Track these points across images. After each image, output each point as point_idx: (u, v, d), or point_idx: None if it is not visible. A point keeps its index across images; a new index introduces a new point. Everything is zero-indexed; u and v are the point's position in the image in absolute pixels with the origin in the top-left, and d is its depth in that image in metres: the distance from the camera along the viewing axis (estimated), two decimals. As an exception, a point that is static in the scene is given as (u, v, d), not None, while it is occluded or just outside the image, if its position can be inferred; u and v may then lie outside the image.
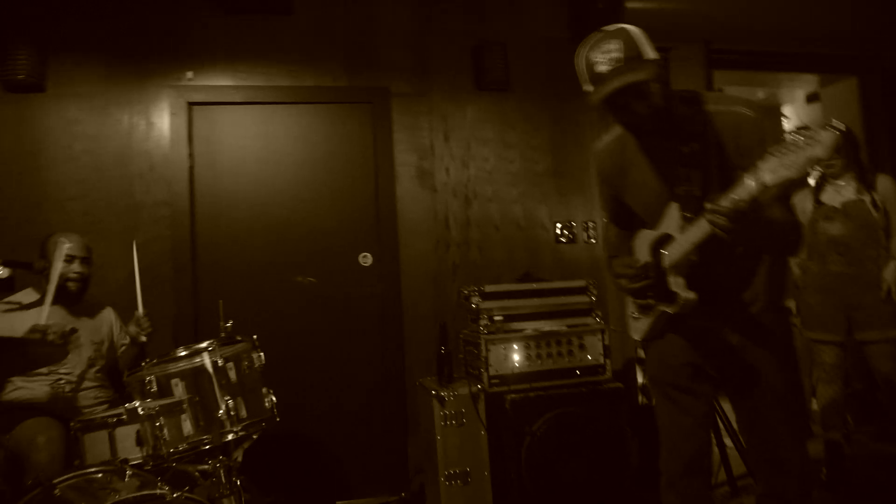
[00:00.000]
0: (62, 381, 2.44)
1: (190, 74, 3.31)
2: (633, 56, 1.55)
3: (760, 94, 5.32)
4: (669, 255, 1.67)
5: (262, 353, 2.31)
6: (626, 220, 1.92)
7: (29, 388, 2.40)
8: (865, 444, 3.61)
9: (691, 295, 1.64)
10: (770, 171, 1.36)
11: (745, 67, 3.95)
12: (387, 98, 3.55)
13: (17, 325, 2.35)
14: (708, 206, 1.49)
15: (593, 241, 3.74)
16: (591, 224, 3.75)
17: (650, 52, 1.58)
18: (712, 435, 2.02)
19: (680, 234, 1.64)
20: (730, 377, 1.77)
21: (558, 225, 3.71)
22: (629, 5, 3.55)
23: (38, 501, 1.80)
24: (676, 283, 1.66)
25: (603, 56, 1.56)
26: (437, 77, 3.63)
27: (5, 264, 2.24)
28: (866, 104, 4.33)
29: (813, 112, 5.32)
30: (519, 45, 3.73)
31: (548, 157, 3.75)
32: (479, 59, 3.64)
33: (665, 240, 1.70)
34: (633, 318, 1.88)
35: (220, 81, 3.35)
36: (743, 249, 1.69)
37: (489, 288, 2.78)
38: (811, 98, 5.27)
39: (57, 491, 1.79)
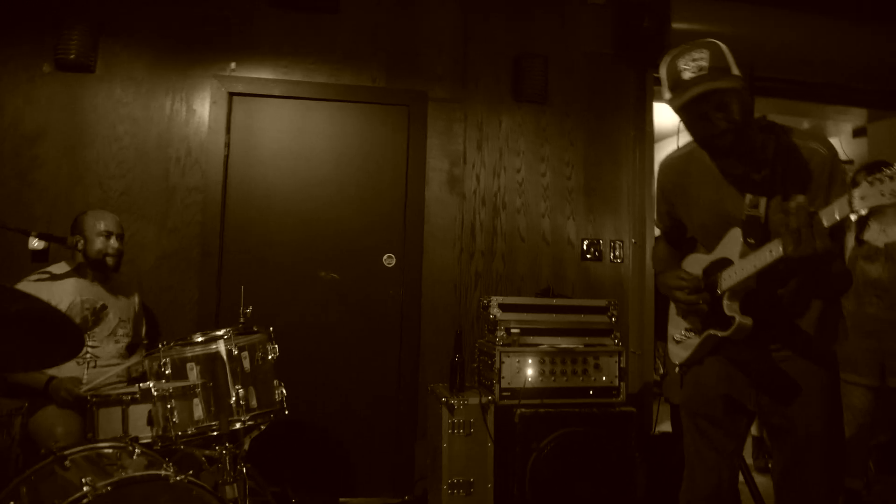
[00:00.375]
0: (88, 355, 2.50)
1: (233, 65, 3.37)
2: (719, 67, 1.56)
3: (805, 124, 5.19)
4: (728, 279, 1.65)
5: (276, 346, 2.34)
6: (677, 238, 1.94)
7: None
8: (887, 495, 3.48)
9: (747, 320, 1.62)
10: (860, 198, 1.35)
11: (789, 96, 3.87)
12: (423, 102, 3.57)
13: (46, 294, 2.43)
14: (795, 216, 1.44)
15: (619, 260, 3.70)
16: (618, 243, 3.71)
17: (735, 69, 1.58)
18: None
19: (740, 259, 1.62)
20: (769, 414, 1.73)
21: (585, 242, 3.68)
22: (675, 26, 3.50)
23: (49, 470, 1.85)
24: (731, 308, 1.64)
25: (690, 63, 1.57)
26: (475, 85, 3.64)
27: (40, 237, 2.30)
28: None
29: (859, 147, 5.18)
30: (560, 59, 3.72)
31: (580, 173, 3.73)
32: (519, 70, 3.64)
33: (722, 264, 1.68)
34: (676, 340, 1.86)
35: (261, 74, 3.41)
36: (796, 284, 1.66)
37: (508, 300, 2.77)
38: (858, 132, 5.13)
39: (67, 462, 1.84)
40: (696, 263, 1.80)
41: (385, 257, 3.48)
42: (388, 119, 3.56)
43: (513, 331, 2.70)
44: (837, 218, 1.40)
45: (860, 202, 1.35)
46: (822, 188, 1.59)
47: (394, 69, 3.55)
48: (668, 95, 1.63)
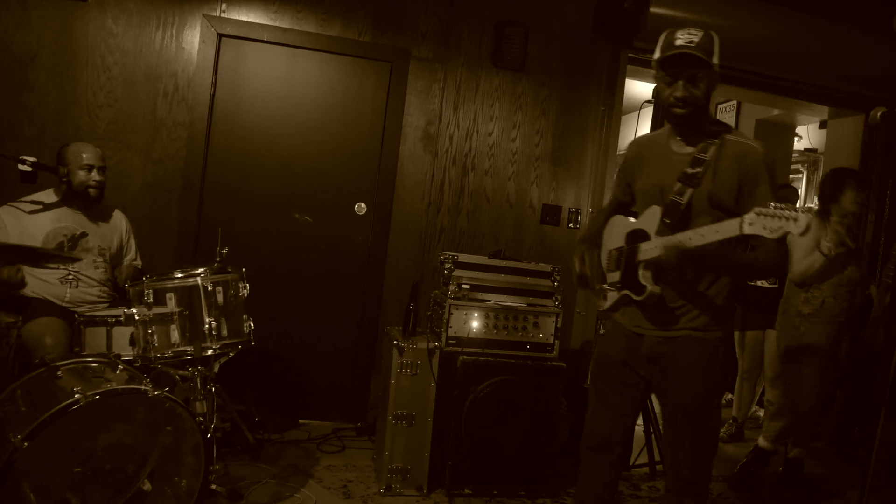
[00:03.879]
0: (70, 277, 2.72)
1: (224, 6, 3.48)
2: (706, 48, 1.85)
3: (776, 111, 5.42)
4: (644, 252, 1.95)
5: (247, 285, 2.60)
6: (624, 207, 2.23)
7: (40, 279, 2.68)
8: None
9: (657, 289, 1.93)
10: (749, 224, 1.66)
11: (757, 88, 4.12)
12: (406, 60, 3.72)
13: (32, 230, 2.64)
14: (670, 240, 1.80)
15: (576, 227, 3.98)
16: (576, 212, 3.98)
17: (716, 59, 1.88)
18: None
19: (656, 236, 1.91)
20: (655, 382, 2.04)
21: (545, 207, 3.94)
22: (653, 10, 3.65)
23: (42, 378, 2.12)
24: (645, 277, 1.95)
25: (685, 35, 1.87)
26: (457, 48, 3.79)
27: (33, 166, 2.49)
28: (868, 143, 4.47)
29: (822, 137, 5.45)
30: (541, 29, 3.86)
31: (549, 141, 3.95)
32: (500, 36, 3.79)
33: (642, 235, 1.97)
34: (606, 289, 2.15)
35: (251, 17, 3.52)
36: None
37: (463, 257, 3.03)
38: (823, 124, 5.39)
39: (59, 372, 2.10)
40: (620, 226, 2.10)
41: (357, 205, 3.71)
42: (372, 74, 3.71)
43: (464, 286, 2.97)
44: (725, 236, 1.72)
45: (748, 227, 1.67)
46: (751, 183, 1.87)
47: (380, 25, 3.68)
48: (657, 55, 1.91)
